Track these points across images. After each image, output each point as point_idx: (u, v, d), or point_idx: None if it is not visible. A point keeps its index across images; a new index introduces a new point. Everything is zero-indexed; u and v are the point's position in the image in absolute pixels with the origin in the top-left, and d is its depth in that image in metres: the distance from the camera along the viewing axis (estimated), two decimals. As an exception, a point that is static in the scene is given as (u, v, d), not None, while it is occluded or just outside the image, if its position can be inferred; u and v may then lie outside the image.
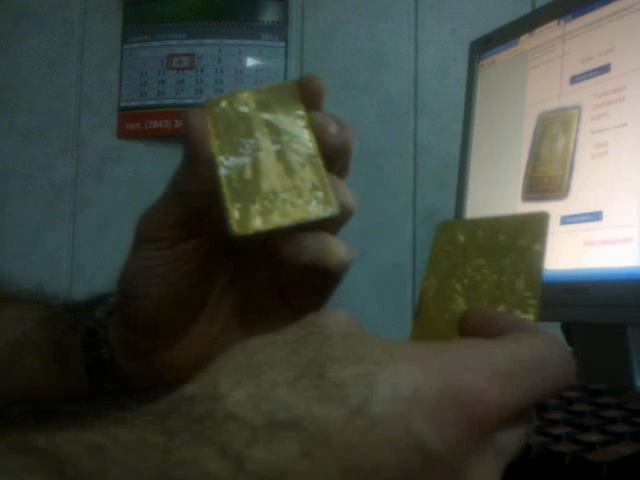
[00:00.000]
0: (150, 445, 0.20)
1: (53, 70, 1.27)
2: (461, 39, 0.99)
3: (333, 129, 0.35)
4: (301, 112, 0.35)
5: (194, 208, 0.36)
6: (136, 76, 1.25)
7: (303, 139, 0.34)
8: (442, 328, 0.31)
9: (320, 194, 0.33)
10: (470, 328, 0.29)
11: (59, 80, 1.27)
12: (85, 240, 1.24)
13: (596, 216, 0.66)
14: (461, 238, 0.33)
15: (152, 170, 1.22)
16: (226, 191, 0.32)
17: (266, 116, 0.35)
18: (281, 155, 0.34)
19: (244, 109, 0.35)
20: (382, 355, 0.23)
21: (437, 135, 1.16)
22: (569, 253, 0.68)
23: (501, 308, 0.30)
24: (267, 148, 0.34)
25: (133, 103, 1.24)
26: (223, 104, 0.35)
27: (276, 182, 0.33)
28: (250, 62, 1.23)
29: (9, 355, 0.43)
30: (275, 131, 0.34)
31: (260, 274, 0.40)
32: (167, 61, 1.24)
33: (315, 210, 0.32)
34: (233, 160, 0.33)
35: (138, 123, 1.24)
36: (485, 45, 0.87)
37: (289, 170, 0.33)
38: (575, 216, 0.69)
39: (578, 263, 0.67)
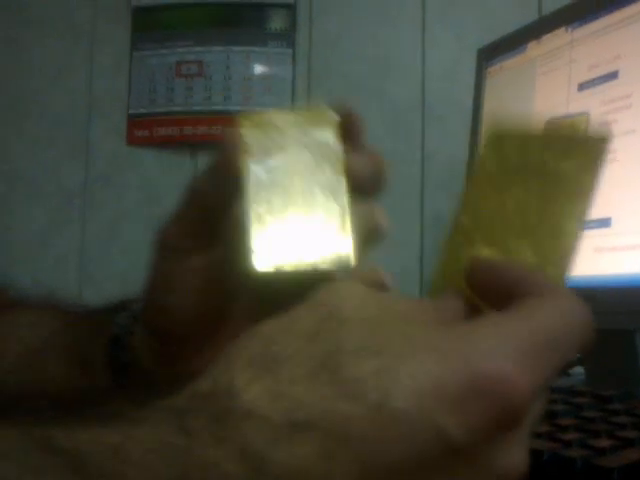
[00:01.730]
0: (169, 445, 0.20)
1: (62, 76, 1.27)
2: (468, 45, 0.99)
3: (369, 171, 0.34)
4: (336, 144, 0.33)
5: (209, 211, 0.36)
6: (145, 83, 1.25)
7: (334, 177, 0.33)
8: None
9: (341, 246, 0.31)
10: (477, 283, 0.28)
11: (68, 86, 1.27)
12: (93, 246, 1.25)
13: (604, 223, 0.66)
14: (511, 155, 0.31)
15: (160, 177, 1.22)
16: (251, 220, 0.31)
17: (299, 139, 0.34)
18: (307, 187, 0.32)
19: (277, 131, 0.34)
20: (402, 345, 0.22)
21: (445, 141, 1.16)
22: (578, 259, 0.68)
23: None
24: (297, 177, 0.33)
25: (142, 110, 1.25)
26: (258, 122, 0.34)
27: (299, 218, 0.32)
28: (258, 69, 1.23)
29: (28, 360, 0.43)
30: (306, 161, 0.33)
31: None
32: (176, 68, 1.24)
33: (331, 263, 0.31)
34: (259, 179, 0.32)
35: (147, 130, 1.25)
36: (493, 52, 0.87)
37: (313, 205, 0.32)
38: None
39: (587, 270, 0.67)
